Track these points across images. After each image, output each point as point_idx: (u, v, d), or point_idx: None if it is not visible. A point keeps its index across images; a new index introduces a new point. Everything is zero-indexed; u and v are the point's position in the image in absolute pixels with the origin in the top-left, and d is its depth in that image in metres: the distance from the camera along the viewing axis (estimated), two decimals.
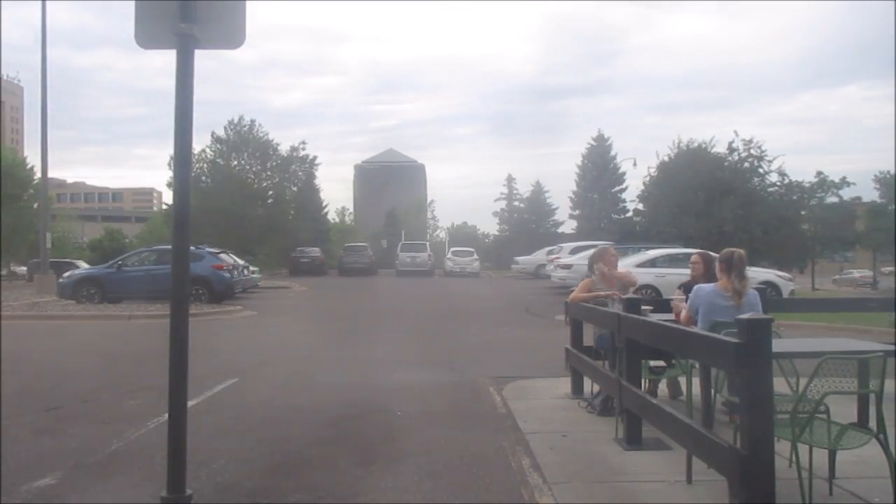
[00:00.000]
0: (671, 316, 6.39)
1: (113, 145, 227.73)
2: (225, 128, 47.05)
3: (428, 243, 44.65)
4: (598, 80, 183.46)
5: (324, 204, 55.50)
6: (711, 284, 5.60)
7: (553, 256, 28.23)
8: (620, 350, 5.40)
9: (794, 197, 34.75)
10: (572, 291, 7.75)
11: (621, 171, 52.00)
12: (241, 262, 22.60)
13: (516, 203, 64.17)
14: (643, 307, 5.75)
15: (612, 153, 52.90)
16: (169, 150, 47.20)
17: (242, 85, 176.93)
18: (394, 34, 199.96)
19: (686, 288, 7.17)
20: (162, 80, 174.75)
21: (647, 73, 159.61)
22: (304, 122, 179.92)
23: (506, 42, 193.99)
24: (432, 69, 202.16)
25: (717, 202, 33.04)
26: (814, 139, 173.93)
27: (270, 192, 48.31)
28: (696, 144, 36.59)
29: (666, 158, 37.22)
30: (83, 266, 30.59)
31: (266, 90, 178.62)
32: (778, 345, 4.12)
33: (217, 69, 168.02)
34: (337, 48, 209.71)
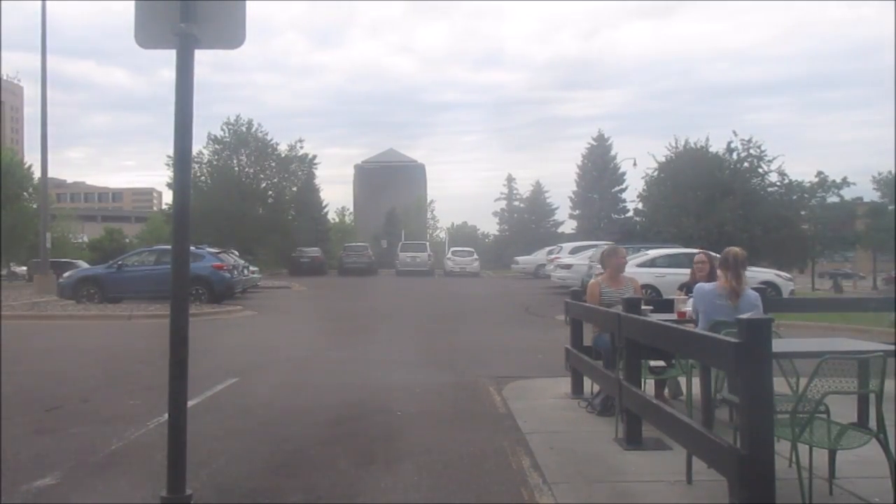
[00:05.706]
0: (671, 316, 6.40)
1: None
2: (222, 127, 46.93)
3: (428, 243, 44.66)
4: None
5: (324, 204, 55.61)
6: (712, 284, 5.60)
7: (553, 256, 28.24)
8: (621, 350, 5.40)
9: (794, 197, 34.79)
10: (573, 291, 7.74)
11: (621, 171, 52.04)
12: (241, 261, 22.63)
13: (516, 203, 64.14)
14: (643, 307, 5.75)
15: (613, 153, 52.93)
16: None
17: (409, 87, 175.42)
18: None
19: (687, 288, 7.19)
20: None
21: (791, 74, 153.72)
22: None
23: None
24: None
25: (716, 202, 33.06)
26: None
27: (270, 192, 48.26)
28: (695, 144, 36.62)
29: (663, 159, 37.24)
30: (83, 266, 30.57)
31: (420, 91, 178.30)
32: (778, 345, 4.12)
33: (410, 67, 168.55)
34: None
